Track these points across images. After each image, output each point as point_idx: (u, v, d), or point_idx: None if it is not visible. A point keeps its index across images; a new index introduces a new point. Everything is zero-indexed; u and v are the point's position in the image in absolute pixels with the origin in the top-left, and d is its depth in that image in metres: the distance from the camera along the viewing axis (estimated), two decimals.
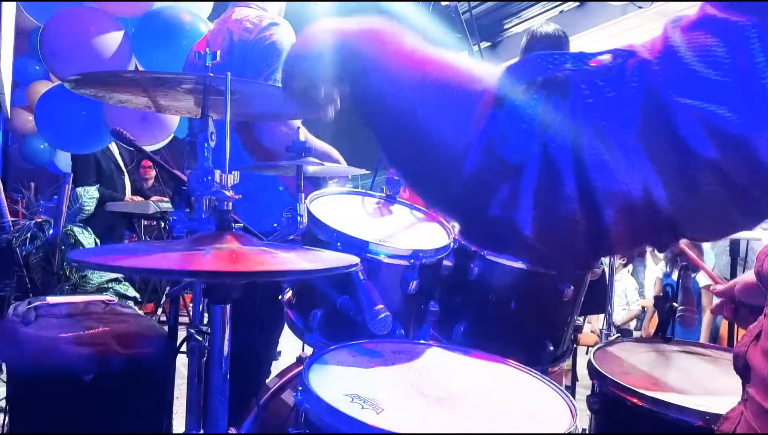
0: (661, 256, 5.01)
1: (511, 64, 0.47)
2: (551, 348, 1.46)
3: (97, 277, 2.87)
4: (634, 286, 5.85)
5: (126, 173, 4.75)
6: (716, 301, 1.30)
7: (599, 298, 2.24)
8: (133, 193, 4.81)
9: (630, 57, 0.42)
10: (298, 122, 1.75)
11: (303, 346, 1.63)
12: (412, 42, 0.54)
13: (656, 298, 1.57)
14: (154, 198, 4.70)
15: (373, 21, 0.58)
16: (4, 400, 1.86)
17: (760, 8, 0.37)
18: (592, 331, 5.37)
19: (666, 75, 0.39)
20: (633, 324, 5.86)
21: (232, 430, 1.14)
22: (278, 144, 1.75)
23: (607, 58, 0.43)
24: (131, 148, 2.99)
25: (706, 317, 4.64)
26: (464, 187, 0.47)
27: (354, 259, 1.00)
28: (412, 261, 1.33)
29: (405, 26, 0.56)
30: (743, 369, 0.87)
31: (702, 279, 4.51)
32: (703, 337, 4.59)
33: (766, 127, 0.36)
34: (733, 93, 0.37)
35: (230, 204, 1.01)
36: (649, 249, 6.77)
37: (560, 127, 0.41)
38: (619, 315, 5.59)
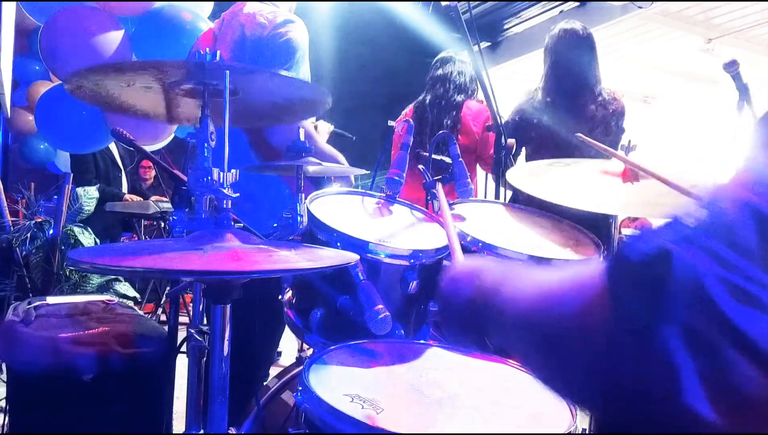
0: None
1: (609, 264, 0.45)
2: None
3: (97, 277, 2.87)
4: None
5: (123, 171, 4.75)
6: None
7: None
8: (132, 192, 4.81)
9: (722, 200, 0.40)
10: (308, 122, 1.75)
11: (301, 344, 1.63)
12: (517, 281, 0.59)
13: None
14: (153, 198, 4.70)
15: (484, 271, 0.66)
16: (4, 400, 1.86)
17: None
18: None
19: None
20: None
21: (232, 430, 1.14)
22: (284, 143, 1.75)
23: (702, 212, 0.41)
24: (131, 148, 2.99)
25: None
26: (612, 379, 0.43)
27: (353, 256, 1.00)
28: (412, 261, 1.32)
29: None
30: None
31: None
32: None
33: None
34: None
35: (230, 203, 1.01)
36: None
37: (686, 298, 0.38)
38: None
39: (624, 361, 0.41)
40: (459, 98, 2.98)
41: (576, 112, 2.68)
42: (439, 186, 1.50)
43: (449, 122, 2.93)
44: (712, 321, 0.36)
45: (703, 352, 0.37)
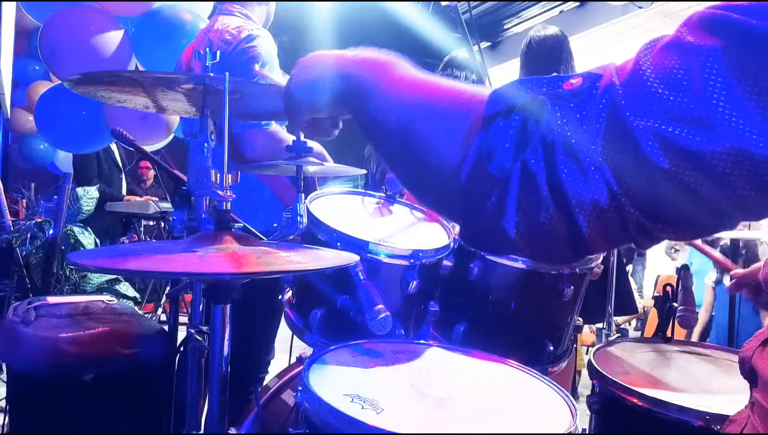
0: (712, 269, 4.75)
1: (496, 88, 0.54)
2: (551, 348, 1.46)
3: (97, 277, 2.86)
4: (634, 288, 5.78)
5: (123, 172, 4.75)
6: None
7: (600, 304, 2.23)
8: (130, 195, 4.81)
9: (599, 80, 0.47)
10: (277, 128, 1.75)
11: (290, 346, 1.63)
12: (406, 69, 0.63)
13: (656, 298, 1.57)
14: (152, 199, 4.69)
15: (368, 52, 0.67)
16: (4, 400, 1.86)
17: (728, 32, 0.41)
18: (591, 331, 5.33)
19: (628, 97, 0.44)
20: (633, 324, 5.80)
21: (232, 430, 1.14)
22: (260, 155, 1.76)
23: (577, 81, 0.48)
24: (131, 148, 3.00)
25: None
26: (461, 193, 0.53)
27: (353, 256, 1.00)
28: (412, 261, 1.33)
29: (398, 54, 0.66)
30: (750, 373, 0.87)
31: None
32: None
33: (718, 143, 0.40)
34: (686, 112, 0.41)
35: (229, 204, 1.01)
36: (673, 244, 6.63)
37: (537, 145, 0.47)
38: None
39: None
40: None
41: None
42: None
43: None
44: (547, 172, 0.46)
45: (526, 193, 0.47)
